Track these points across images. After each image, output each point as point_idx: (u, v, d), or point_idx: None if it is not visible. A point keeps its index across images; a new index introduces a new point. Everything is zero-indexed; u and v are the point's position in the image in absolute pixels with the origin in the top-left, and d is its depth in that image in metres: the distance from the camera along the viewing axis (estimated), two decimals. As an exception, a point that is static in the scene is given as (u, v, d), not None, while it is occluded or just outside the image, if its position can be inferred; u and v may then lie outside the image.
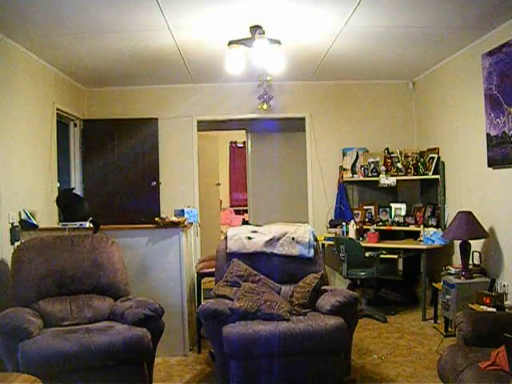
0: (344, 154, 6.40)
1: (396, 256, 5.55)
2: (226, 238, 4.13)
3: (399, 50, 5.04)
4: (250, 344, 3.21)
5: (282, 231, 4.13)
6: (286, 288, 3.90)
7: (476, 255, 4.69)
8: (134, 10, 3.73)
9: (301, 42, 4.69)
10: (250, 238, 4.07)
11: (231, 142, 11.14)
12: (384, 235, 5.77)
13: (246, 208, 8.31)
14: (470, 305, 4.15)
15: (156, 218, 4.34)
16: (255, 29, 4.05)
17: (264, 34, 4.02)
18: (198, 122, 6.52)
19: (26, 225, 4.21)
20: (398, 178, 5.89)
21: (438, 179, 5.59)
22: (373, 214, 6.21)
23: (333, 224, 6.18)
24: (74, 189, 5.43)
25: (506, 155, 4.15)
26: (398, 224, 5.94)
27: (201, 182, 6.65)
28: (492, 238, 4.50)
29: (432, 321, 5.02)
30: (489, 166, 4.45)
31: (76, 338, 3.12)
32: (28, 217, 4.25)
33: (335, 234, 5.93)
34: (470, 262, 4.66)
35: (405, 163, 5.92)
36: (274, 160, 7.18)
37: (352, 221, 5.94)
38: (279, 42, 4.25)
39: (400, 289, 5.90)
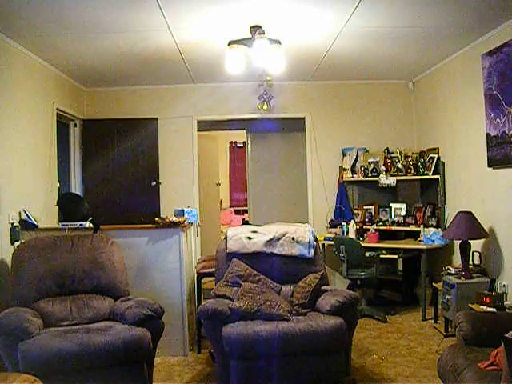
0: (344, 154, 6.40)
1: (396, 256, 5.55)
2: (225, 238, 4.14)
3: (399, 50, 5.04)
4: (249, 344, 3.21)
5: (282, 231, 4.13)
6: (286, 288, 3.90)
7: (476, 255, 4.69)
8: (134, 10, 3.73)
9: (301, 42, 4.69)
10: (250, 238, 4.07)
11: (231, 142, 11.14)
12: (384, 235, 5.77)
13: (246, 208, 8.31)
14: (469, 305, 4.15)
15: (156, 218, 4.34)
16: (255, 29, 4.05)
17: (264, 33, 4.02)
18: (198, 121, 6.53)
19: (26, 225, 4.21)
20: (398, 178, 5.89)
21: (437, 179, 5.59)
22: (373, 213, 6.21)
23: (333, 224, 6.18)
24: (75, 194, 5.47)
25: (506, 155, 4.15)
26: (398, 224, 5.94)
27: (201, 182, 6.65)
28: (492, 237, 4.50)
29: (432, 321, 5.02)
30: (489, 166, 4.45)
31: (76, 337, 3.12)
32: (28, 217, 4.25)
33: (335, 234, 5.93)
34: (470, 262, 4.65)
35: (405, 163, 5.92)
36: (274, 160, 7.18)
37: (352, 221, 5.93)
38: (279, 42, 4.24)
39: (400, 289, 5.90)
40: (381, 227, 5.89)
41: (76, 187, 6.08)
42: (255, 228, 4.25)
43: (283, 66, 4.54)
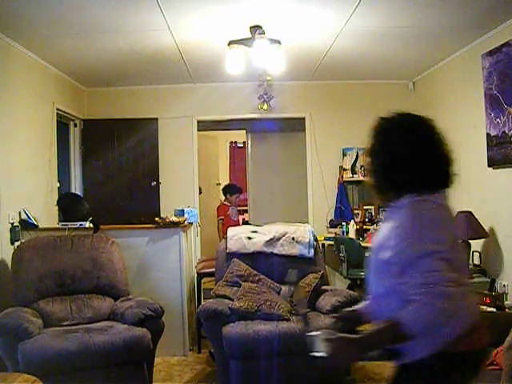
0: (344, 154, 6.40)
1: (396, 256, 5.53)
2: (226, 238, 4.14)
3: (399, 50, 5.04)
4: (249, 344, 3.21)
5: (282, 231, 4.13)
6: (286, 288, 3.90)
7: (476, 255, 4.69)
8: (134, 10, 3.73)
9: (301, 42, 4.69)
10: (250, 238, 4.07)
11: (231, 142, 11.12)
12: (384, 235, 5.76)
13: (246, 208, 8.31)
14: (470, 305, 4.14)
15: (156, 218, 4.34)
16: (255, 29, 4.05)
17: (264, 33, 4.02)
18: (198, 121, 6.51)
19: (26, 225, 4.21)
20: (398, 177, 5.87)
21: (437, 179, 5.57)
22: (373, 213, 6.21)
23: (333, 224, 6.17)
24: (75, 194, 5.46)
25: (506, 155, 4.15)
26: (398, 224, 5.93)
27: (201, 182, 6.65)
28: (492, 238, 4.50)
29: (432, 321, 5.01)
30: (489, 165, 4.45)
31: (76, 337, 3.12)
32: (28, 217, 4.25)
33: (335, 234, 5.92)
34: (470, 262, 4.65)
35: (405, 163, 5.90)
36: (273, 160, 7.17)
37: (352, 221, 5.93)
38: (279, 42, 4.25)
39: (400, 289, 5.89)
40: (381, 227, 5.88)
41: (76, 187, 6.07)
42: (255, 228, 4.25)
43: (283, 65, 4.55)
